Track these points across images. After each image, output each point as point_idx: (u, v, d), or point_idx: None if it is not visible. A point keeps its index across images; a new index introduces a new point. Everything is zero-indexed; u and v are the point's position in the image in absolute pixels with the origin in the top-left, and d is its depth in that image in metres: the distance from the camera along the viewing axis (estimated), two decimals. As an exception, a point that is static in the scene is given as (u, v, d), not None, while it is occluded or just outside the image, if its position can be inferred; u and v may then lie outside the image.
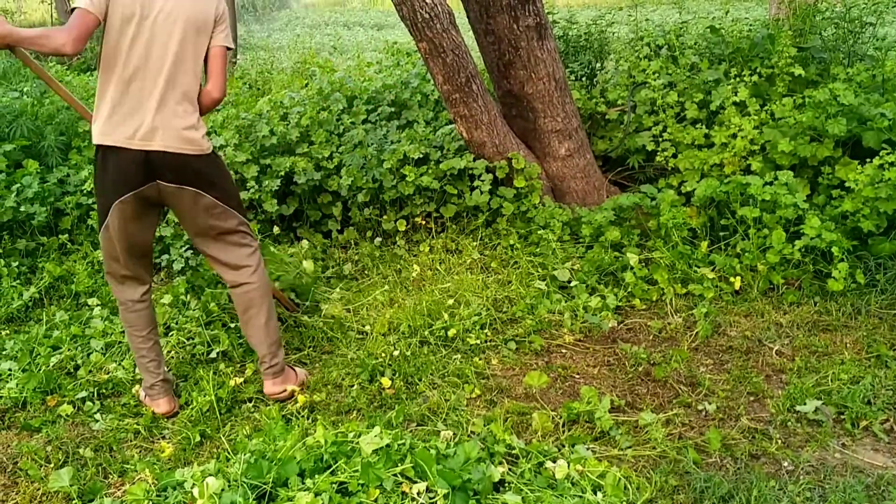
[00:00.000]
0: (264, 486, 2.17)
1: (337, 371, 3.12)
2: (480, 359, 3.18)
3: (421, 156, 4.30)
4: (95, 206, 4.29)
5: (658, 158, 4.31)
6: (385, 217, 4.29)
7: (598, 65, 5.36)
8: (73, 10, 2.51)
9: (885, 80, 4.07)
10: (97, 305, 3.70)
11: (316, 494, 2.10)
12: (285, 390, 2.94)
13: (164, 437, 2.80)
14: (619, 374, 3.04)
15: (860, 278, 3.40)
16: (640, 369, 3.05)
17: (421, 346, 3.27)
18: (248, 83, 7.99)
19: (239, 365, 3.23)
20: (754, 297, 3.51)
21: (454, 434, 2.54)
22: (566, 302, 3.54)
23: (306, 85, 6.18)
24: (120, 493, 2.48)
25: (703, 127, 4.26)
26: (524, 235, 4.06)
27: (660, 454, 2.51)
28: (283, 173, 4.34)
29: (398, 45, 7.30)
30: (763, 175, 3.79)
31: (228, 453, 2.50)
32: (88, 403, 3.00)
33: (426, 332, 3.33)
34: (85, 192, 4.36)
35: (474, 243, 4.06)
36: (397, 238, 4.24)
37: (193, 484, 2.26)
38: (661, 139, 4.36)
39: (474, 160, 4.21)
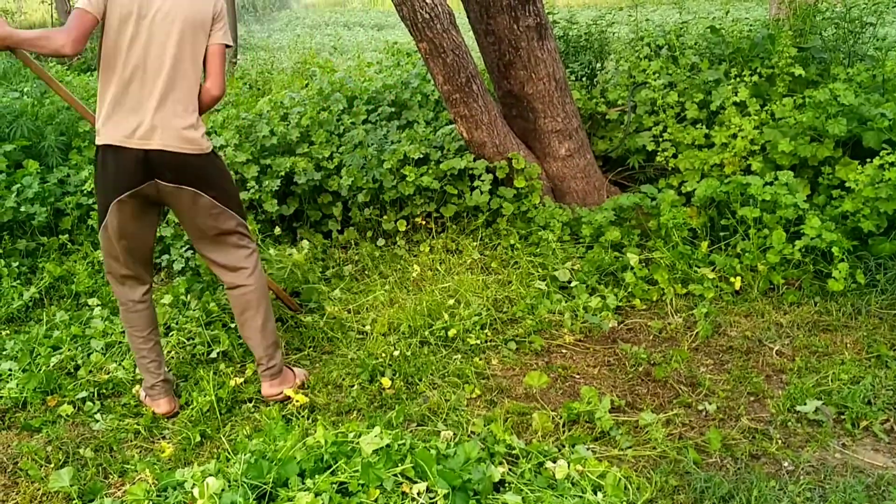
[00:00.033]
0: (264, 487, 2.17)
1: (337, 371, 3.12)
2: (481, 359, 3.18)
3: (421, 156, 4.30)
4: (96, 207, 4.29)
5: (658, 158, 4.31)
6: (385, 217, 4.29)
7: (599, 65, 5.36)
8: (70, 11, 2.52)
9: (885, 81, 4.07)
10: (97, 305, 3.70)
11: (316, 494, 2.10)
12: (282, 392, 2.93)
13: (164, 438, 2.80)
14: (619, 375, 3.04)
15: (860, 278, 3.40)
16: (641, 369, 3.05)
17: (421, 347, 3.27)
18: (248, 83, 7.99)
19: (239, 365, 3.23)
20: (754, 298, 3.51)
21: (454, 434, 2.54)
22: (566, 302, 3.54)
23: (306, 85, 6.18)
24: (120, 493, 2.48)
25: (704, 127, 4.26)
26: (524, 235, 4.06)
27: (660, 454, 2.51)
28: (283, 173, 4.34)
29: (398, 46, 7.30)
30: (763, 175, 3.79)
31: (229, 453, 2.50)
32: (89, 403, 3.00)
33: (426, 333, 3.33)
34: (85, 192, 4.36)
35: (474, 243, 4.06)
36: (397, 238, 4.24)
37: (194, 484, 2.26)
38: (661, 139, 4.36)
39: (474, 160, 4.21)
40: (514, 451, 2.44)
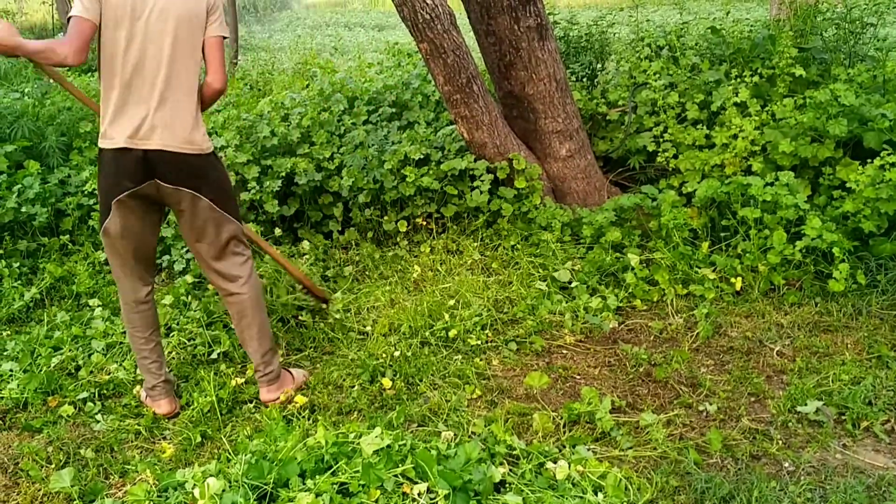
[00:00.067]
0: (265, 487, 2.17)
1: (338, 372, 3.12)
2: (481, 359, 3.18)
3: (422, 156, 4.30)
4: (96, 207, 4.31)
5: (659, 159, 4.31)
6: (386, 218, 4.29)
7: (599, 65, 5.36)
8: (69, 19, 2.53)
9: (885, 81, 4.07)
10: (98, 306, 3.70)
11: (317, 495, 2.10)
12: (279, 398, 2.94)
13: (165, 438, 2.80)
14: (619, 375, 3.04)
15: (861, 279, 3.40)
16: (641, 370, 3.05)
17: (422, 347, 3.27)
18: (249, 84, 7.99)
19: (240, 366, 3.23)
20: (755, 298, 3.51)
21: (455, 435, 2.54)
22: (567, 303, 3.54)
23: (307, 86, 6.18)
24: (121, 493, 2.48)
25: (704, 128, 4.26)
26: (525, 236, 4.06)
27: (661, 455, 2.51)
28: (283, 174, 4.34)
29: (399, 46, 7.30)
30: (764, 176, 3.79)
31: (229, 454, 2.50)
32: (89, 404, 3.00)
33: (427, 333, 3.33)
34: (86, 192, 4.37)
35: (475, 244, 4.07)
36: (398, 239, 4.25)
37: (194, 484, 2.26)
38: (661, 140, 4.36)
39: (475, 161, 4.22)
40: (514, 452, 2.44)
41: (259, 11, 22.67)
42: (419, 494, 2.12)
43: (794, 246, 3.50)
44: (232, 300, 2.87)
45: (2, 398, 3.06)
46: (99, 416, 2.93)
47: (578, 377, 3.05)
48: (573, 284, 3.64)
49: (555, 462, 2.35)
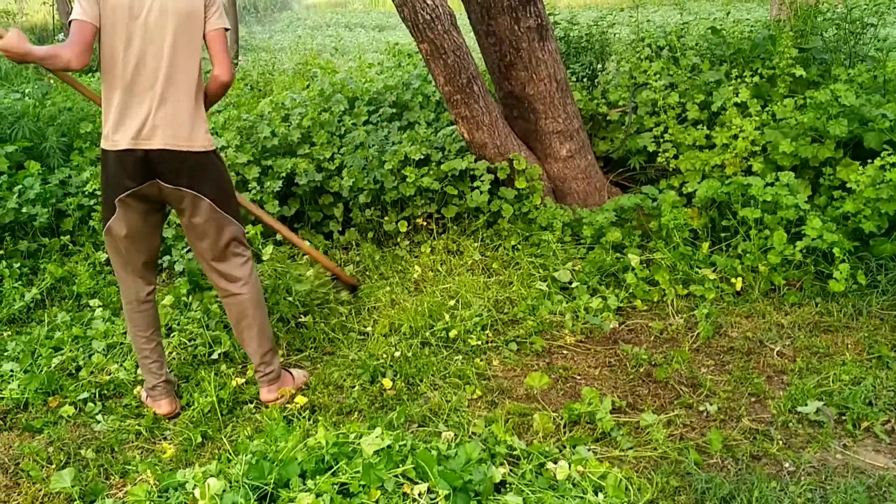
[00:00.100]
0: (265, 487, 2.17)
1: (338, 372, 3.12)
2: (482, 360, 3.18)
3: (422, 157, 4.30)
4: (97, 208, 4.31)
5: (659, 159, 4.31)
6: (386, 218, 4.29)
7: (600, 66, 5.36)
8: (69, 22, 2.53)
9: (886, 81, 4.07)
10: (99, 307, 3.71)
11: (317, 495, 2.10)
12: (279, 397, 2.94)
13: (165, 438, 2.81)
14: (620, 375, 3.04)
15: (861, 279, 3.40)
16: (642, 370, 3.05)
17: (422, 347, 3.27)
18: (249, 84, 8.00)
19: (240, 366, 3.24)
20: (755, 298, 3.51)
21: (455, 435, 2.54)
22: (567, 303, 3.54)
23: (308, 86, 6.19)
24: (121, 494, 2.48)
25: (705, 128, 4.26)
26: (525, 236, 4.06)
27: (661, 455, 2.51)
28: (284, 174, 4.34)
29: (399, 47, 7.31)
30: (764, 176, 3.79)
31: (230, 454, 2.51)
32: (90, 404, 3.01)
33: (427, 333, 3.33)
34: (86, 193, 4.37)
35: (475, 244, 4.07)
36: (399, 239, 4.25)
37: (195, 485, 2.26)
38: (662, 140, 4.37)
39: (475, 161, 4.22)
40: (515, 452, 2.44)
41: (259, 12, 22.69)
42: (419, 495, 2.12)
43: (795, 246, 3.50)
44: (232, 301, 2.88)
45: (2, 398, 3.06)
46: (99, 417, 2.93)
47: (579, 377, 3.05)
48: (574, 285, 3.64)
49: (555, 462, 2.35)
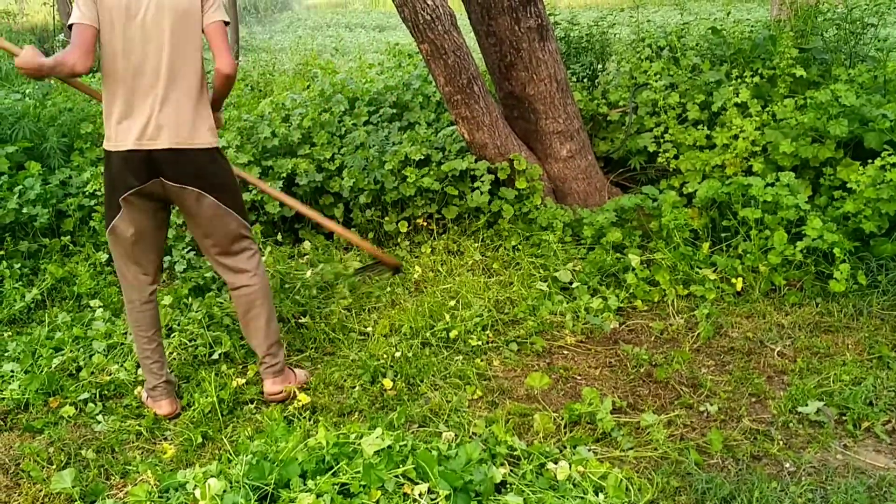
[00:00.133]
0: (266, 488, 2.17)
1: (339, 372, 3.12)
2: (482, 360, 3.18)
3: (422, 157, 4.31)
4: (97, 208, 4.31)
5: (659, 159, 4.31)
6: (387, 218, 4.29)
7: (600, 66, 5.36)
8: (70, 26, 2.54)
9: (886, 81, 4.07)
10: (99, 307, 3.70)
11: (318, 496, 2.10)
12: (283, 391, 2.94)
13: (165, 439, 2.81)
14: (620, 376, 3.04)
15: (862, 279, 3.40)
16: (642, 370, 3.05)
17: (422, 348, 3.27)
18: (249, 85, 8.00)
19: (241, 366, 3.24)
20: (756, 299, 3.51)
21: (456, 435, 2.54)
22: (568, 303, 3.54)
23: (308, 86, 6.19)
24: (122, 494, 2.48)
25: (705, 128, 4.26)
26: (526, 237, 4.06)
27: (661, 455, 2.51)
28: (284, 175, 4.35)
29: (400, 47, 7.31)
30: (765, 176, 3.79)
31: (230, 454, 2.51)
32: (90, 405, 3.00)
33: (428, 334, 3.33)
34: (87, 193, 4.37)
35: (476, 245, 4.07)
36: (399, 239, 4.25)
37: (195, 485, 2.26)
38: (662, 140, 4.37)
39: (476, 162, 4.22)
40: (515, 453, 2.44)
41: (260, 12, 22.70)
42: (420, 495, 2.12)
43: (795, 246, 3.50)
44: (240, 293, 2.89)
45: (3, 399, 3.06)
46: (100, 417, 2.93)
47: (579, 378, 3.05)
48: (574, 285, 3.64)
49: (556, 463, 2.35)
